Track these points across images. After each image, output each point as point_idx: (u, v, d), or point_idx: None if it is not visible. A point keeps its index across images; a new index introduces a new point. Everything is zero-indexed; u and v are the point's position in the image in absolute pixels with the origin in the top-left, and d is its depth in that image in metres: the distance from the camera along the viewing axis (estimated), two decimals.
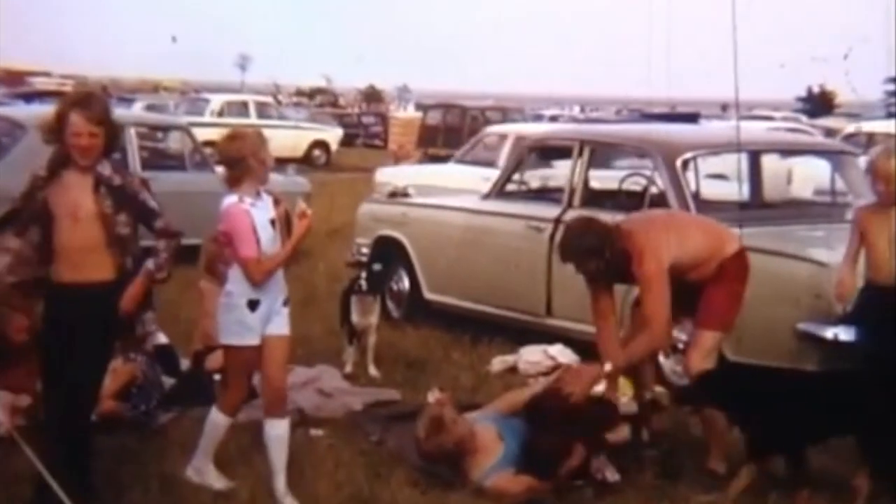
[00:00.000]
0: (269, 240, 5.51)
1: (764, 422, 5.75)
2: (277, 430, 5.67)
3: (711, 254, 6.30)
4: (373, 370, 8.26)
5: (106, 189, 5.22)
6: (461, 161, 16.95)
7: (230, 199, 5.50)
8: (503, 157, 15.17)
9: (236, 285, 5.51)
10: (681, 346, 7.53)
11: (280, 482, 5.67)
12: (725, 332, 6.41)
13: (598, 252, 6.12)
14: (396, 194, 12.49)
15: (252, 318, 5.49)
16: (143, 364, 6.93)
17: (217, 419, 5.73)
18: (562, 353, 8.39)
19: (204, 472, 5.78)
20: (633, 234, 6.22)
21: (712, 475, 6.06)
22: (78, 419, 5.33)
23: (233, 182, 5.53)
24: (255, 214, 5.47)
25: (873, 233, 6.45)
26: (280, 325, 5.63)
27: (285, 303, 5.68)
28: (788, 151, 11.30)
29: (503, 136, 16.16)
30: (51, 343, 5.30)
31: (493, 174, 14.35)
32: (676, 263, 6.17)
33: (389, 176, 17.73)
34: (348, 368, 8.23)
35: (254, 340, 5.53)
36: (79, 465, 5.32)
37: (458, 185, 14.88)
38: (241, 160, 5.48)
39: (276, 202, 5.62)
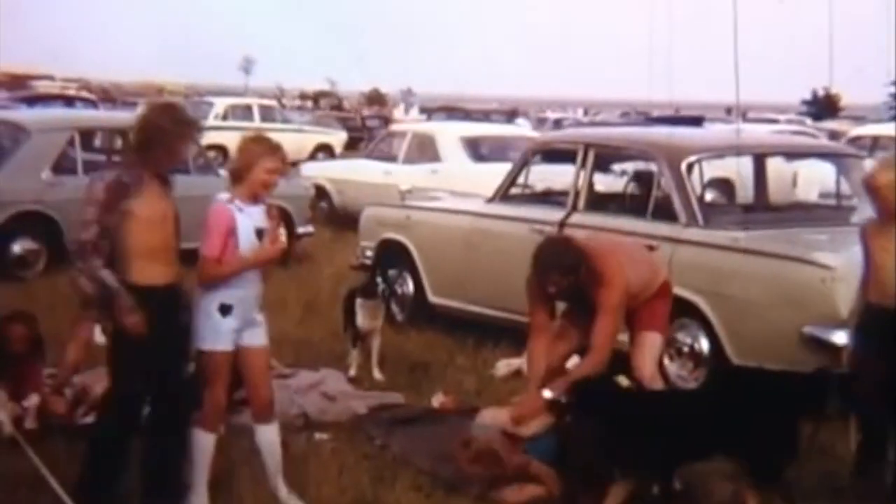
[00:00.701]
0: (250, 247, 5.38)
1: (634, 439, 5.58)
2: (268, 435, 5.63)
3: (649, 286, 6.41)
4: (377, 374, 8.24)
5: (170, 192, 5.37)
6: (368, 156, 18.45)
7: (222, 196, 5.43)
8: (402, 153, 16.76)
9: (210, 290, 5.39)
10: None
11: (280, 484, 5.64)
12: (665, 338, 6.62)
13: (574, 271, 6.15)
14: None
15: (224, 323, 5.38)
16: None
17: (199, 439, 5.48)
18: None
19: None
20: (604, 258, 6.28)
21: None
22: (187, 419, 5.44)
23: (231, 177, 5.48)
24: (239, 219, 5.37)
25: (877, 251, 6.01)
26: (258, 336, 5.54)
27: (260, 308, 5.58)
28: (793, 154, 11.30)
29: (403, 134, 17.83)
30: (148, 346, 5.17)
31: (393, 167, 16.40)
32: (629, 292, 6.28)
33: (312, 170, 19.04)
34: (352, 372, 8.21)
35: (225, 346, 5.42)
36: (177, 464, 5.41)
37: (362, 177, 16.61)
38: (247, 165, 5.41)
39: (271, 213, 5.50)
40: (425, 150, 16.38)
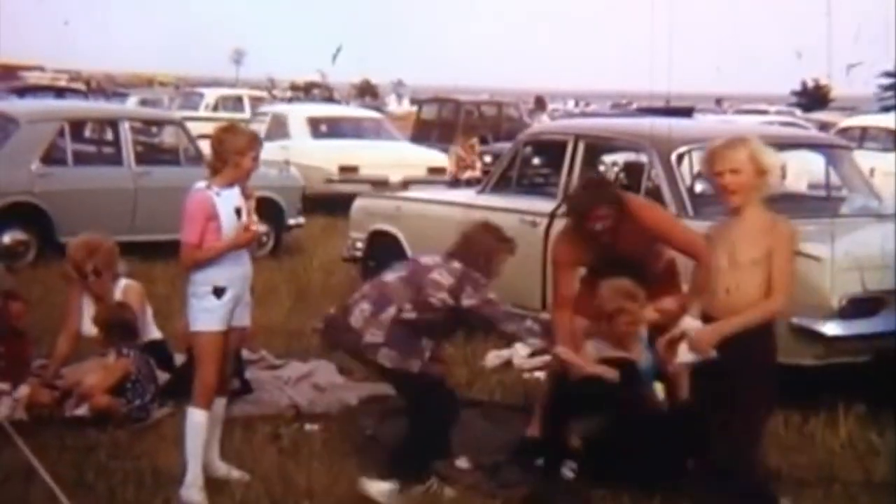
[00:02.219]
0: (232, 227, 5.58)
1: None
2: (217, 408, 5.75)
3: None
4: None
5: None
6: None
7: (199, 184, 5.62)
8: (263, 131, 18.02)
9: (201, 273, 5.56)
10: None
11: (216, 457, 5.86)
12: None
13: (619, 204, 6.07)
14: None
15: (218, 304, 5.55)
16: (137, 359, 6.91)
17: (195, 417, 5.61)
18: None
19: (193, 489, 5.55)
20: (645, 207, 6.29)
21: None
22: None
23: (212, 170, 5.67)
24: (219, 203, 5.55)
25: (713, 252, 5.09)
26: (243, 317, 5.74)
27: (251, 291, 5.81)
28: (783, 145, 11.28)
29: (265, 115, 20.36)
30: None
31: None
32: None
33: None
34: None
35: (220, 326, 5.58)
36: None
37: None
38: (223, 154, 5.60)
39: (247, 194, 5.69)
40: (280, 128, 18.87)
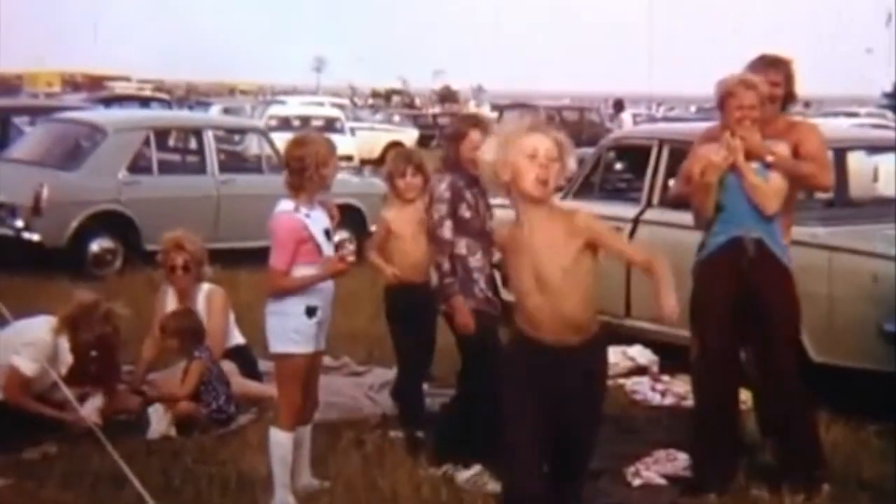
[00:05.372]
0: (326, 249, 5.36)
1: None
2: (305, 434, 5.61)
3: None
4: None
5: None
6: None
7: (285, 205, 5.34)
8: None
9: (293, 293, 5.31)
10: None
11: (307, 475, 5.75)
12: None
13: (791, 78, 6.15)
14: None
15: (309, 325, 5.32)
16: (208, 360, 6.94)
17: (278, 438, 5.42)
18: (641, 354, 8.28)
19: None
20: (815, 130, 6.29)
21: None
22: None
23: (293, 188, 5.37)
24: (311, 225, 5.32)
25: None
26: (321, 340, 5.49)
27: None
28: (874, 148, 11.07)
29: None
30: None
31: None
32: None
33: None
34: None
35: (309, 348, 5.36)
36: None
37: None
38: (305, 170, 5.31)
39: (331, 213, 5.51)
40: None
